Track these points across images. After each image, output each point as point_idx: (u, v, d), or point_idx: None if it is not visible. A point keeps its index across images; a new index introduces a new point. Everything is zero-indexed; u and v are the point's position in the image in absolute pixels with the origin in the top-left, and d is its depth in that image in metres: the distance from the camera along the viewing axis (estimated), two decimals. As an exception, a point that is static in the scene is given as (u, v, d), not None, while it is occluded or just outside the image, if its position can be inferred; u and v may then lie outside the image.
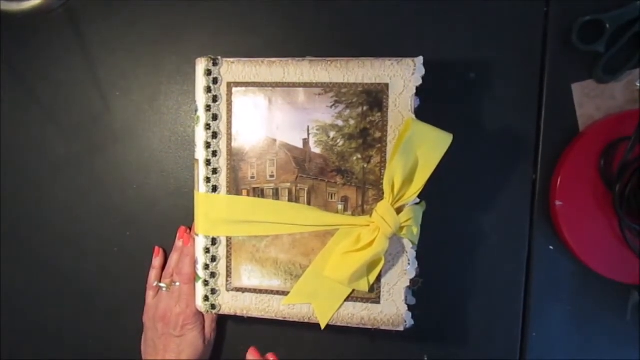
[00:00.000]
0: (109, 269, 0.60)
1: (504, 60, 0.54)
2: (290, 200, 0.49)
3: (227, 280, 0.51)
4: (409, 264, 0.49)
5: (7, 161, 0.60)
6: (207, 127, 0.49)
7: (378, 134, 0.47)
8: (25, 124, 0.59)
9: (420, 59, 0.46)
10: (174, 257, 0.56)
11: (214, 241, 0.50)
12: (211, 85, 0.48)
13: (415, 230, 0.47)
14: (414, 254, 0.49)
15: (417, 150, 0.45)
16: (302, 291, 0.49)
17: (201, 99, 0.49)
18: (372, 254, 0.46)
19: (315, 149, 0.48)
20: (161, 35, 0.57)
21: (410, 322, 0.49)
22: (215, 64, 0.48)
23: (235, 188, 0.49)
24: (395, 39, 0.55)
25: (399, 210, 0.47)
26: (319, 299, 0.49)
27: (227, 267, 0.50)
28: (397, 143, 0.46)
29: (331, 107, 0.47)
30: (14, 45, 0.59)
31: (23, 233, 0.60)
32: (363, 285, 0.48)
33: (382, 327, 0.49)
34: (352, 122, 0.47)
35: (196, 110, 0.49)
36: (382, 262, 0.47)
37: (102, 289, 0.60)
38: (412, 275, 0.49)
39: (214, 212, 0.50)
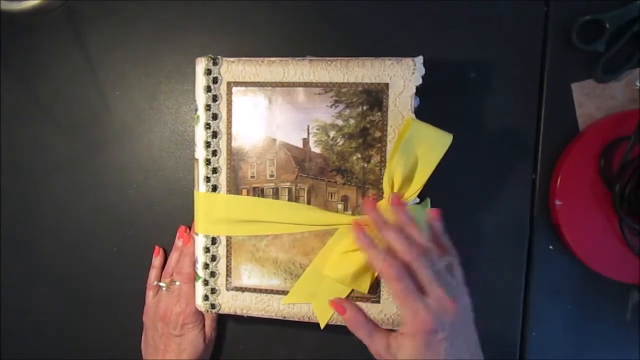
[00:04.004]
0: (109, 269, 0.60)
1: (504, 60, 0.54)
2: (290, 199, 0.49)
3: (226, 280, 0.51)
4: (408, 263, 0.49)
5: (7, 161, 0.60)
6: (207, 126, 0.49)
7: (378, 134, 0.47)
8: (25, 124, 0.59)
9: (420, 59, 0.46)
10: (173, 257, 0.56)
11: (213, 240, 0.50)
12: (211, 84, 0.48)
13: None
14: (414, 253, 0.49)
15: (417, 149, 0.45)
16: (301, 290, 0.49)
17: (201, 98, 0.49)
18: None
19: (315, 149, 0.48)
20: (161, 35, 0.57)
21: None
22: (215, 64, 0.48)
23: (235, 187, 0.49)
24: (395, 39, 0.55)
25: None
26: (318, 298, 0.49)
27: (227, 266, 0.50)
28: (397, 142, 0.46)
29: (331, 106, 0.47)
30: (14, 45, 0.59)
31: (23, 233, 0.60)
32: (363, 285, 0.48)
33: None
34: (352, 121, 0.47)
35: (196, 110, 0.49)
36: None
37: (102, 289, 0.60)
38: (412, 274, 0.49)
39: (214, 212, 0.50)
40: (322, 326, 0.50)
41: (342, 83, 0.47)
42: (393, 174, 0.45)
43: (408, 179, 0.46)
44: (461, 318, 0.40)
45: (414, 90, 0.46)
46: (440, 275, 0.40)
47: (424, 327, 0.39)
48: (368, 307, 0.49)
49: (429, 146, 0.45)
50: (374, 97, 0.47)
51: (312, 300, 0.49)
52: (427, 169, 0.45)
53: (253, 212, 0.49)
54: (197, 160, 0.50)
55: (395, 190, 0.46)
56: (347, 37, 0.55)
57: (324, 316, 0.49)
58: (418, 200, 0.47)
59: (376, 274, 0.48)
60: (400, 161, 0.45)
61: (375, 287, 0.49)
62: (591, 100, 0.53)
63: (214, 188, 0.49)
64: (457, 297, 0.40)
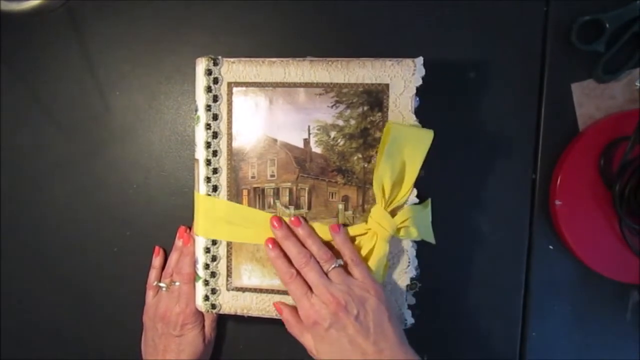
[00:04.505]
0: (109, 269, 0.60)
1: (504, 60, 0.54)
2: (290, 199, 0.49)
3: (227, 280, 0.51)
4: (409, 263, 0.49)
5: (7, 161, 0.60)
6: (208, 126, 0.49)
7: (378, 134, 0.47)
8: (25, 124, 0.59)
9: (420, 60, 0.46)
10: (173, 257, 0.56)
11: (214, 241, 0.50)
12: (212, 85, 0.48)
13: (414, 230, 0.47)
14: (414, 253, 0.49)
15: (402, 151, 0.45)
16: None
17: (201, 98, 0.49)
18: (376, 261, 0.46)
19: (316, 149, 0.48)
20: (161, 35, 0.57)
21: (410, 321, 0.49)
22: (215, 64, 0.48)
23: (235, 188, 0.49)
24: (395, 39, 0.55)
25: (394, 213, 0.47)
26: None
27: (228, 266, 0.50)
28: (381, 148, 0.46)
29: (332, 107, 0.47)
30: (14, 45, 0.59)
31: (23, 233, 0.60)
32: None
33: None
34: (352, 122, 0.47)
35: (196, 110, 0.49)
36: (387, 264, 0.47)
37: (102, 289, 0.60)
38: (412, 274, 0.49)
39: (214, 215, 0.49)
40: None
41: (343, 83, 0.47)
42: (382, 179, 0.45)
43: (398, 181, 0.46)
44: (349, 309, 0.43)
45: (414, 91, 0.46)
46: (327, 277, 0.45)
47: (308, 321, 0.44)
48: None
49: (413, 146, 0.45)
50: (375, 98, 0.47)
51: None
52: (414, 168, 0.46)
53: (253, 220, 0.49)
54: (197, 160, 0.50)
55: (387, 194, 0.46)
56: (347, 38, 0.55)
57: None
58: (417, 200, 0.47)
59: (384, 275, 0.48)
60: (387, 166, 0.45)
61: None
62: (591, 100, 0.53)
63: (215, 188, 0.49)
64: (348, 291, 0.44)
